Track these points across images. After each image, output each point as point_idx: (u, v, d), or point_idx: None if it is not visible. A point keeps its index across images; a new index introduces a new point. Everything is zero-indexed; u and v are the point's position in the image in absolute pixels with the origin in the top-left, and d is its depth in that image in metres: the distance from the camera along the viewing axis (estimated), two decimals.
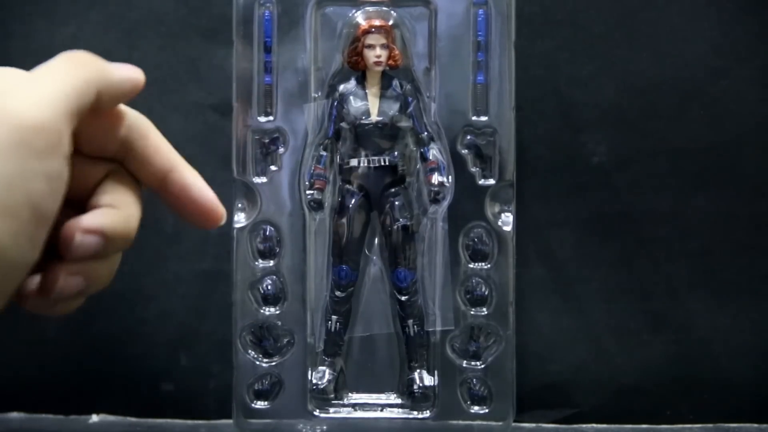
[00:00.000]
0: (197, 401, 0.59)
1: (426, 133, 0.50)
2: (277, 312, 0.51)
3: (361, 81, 0.50)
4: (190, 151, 0.59)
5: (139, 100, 0.66)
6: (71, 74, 0.32)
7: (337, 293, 0.51)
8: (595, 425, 0.55)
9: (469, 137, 0.49)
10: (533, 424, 0.56)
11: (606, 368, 0.56)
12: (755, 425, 0.53)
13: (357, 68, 0.50)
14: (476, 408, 0.48)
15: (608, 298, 0.56)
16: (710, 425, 0.54)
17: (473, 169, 0.49)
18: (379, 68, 0.50)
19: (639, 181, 0.56)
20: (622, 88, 0.56)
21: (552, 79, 0.56)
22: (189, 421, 0.59)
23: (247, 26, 0.50)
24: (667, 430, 0.54)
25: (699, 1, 0.55)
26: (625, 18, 0.56)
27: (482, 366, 0.49)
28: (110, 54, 0.64)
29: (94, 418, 0.60)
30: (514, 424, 0.55)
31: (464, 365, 0.49)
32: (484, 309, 0.49)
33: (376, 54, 0.49)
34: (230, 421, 0.58)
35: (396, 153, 0.50)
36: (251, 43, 0.50)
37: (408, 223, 0.50)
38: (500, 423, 0.48)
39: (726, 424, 0.54)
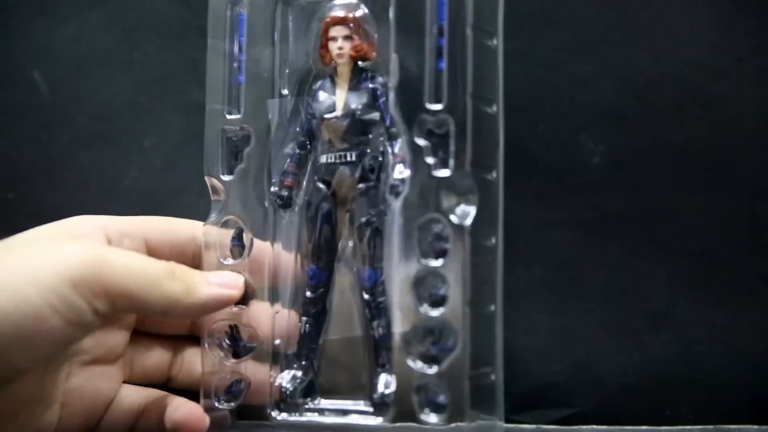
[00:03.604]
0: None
1: (393, 127, 0.47)
2: (243, 311, 0.48)
3: (333, 76, 0.49)
4: (191, 151, 0.60)
5: (140, 100, 0.66)
6: None
7: (308, 294, 0.49)
8: (594, 426, 0.55)
9: (424, 126, 0.45)
10: (533, 425, 0.56)
11: (606, 368, 0.56)
12: (755, 427, 0.53)
13: (325, 63, 0.49)
14: (432, 416, 0.44)
15: (608, 298, 0.56)
16: (710, 427, 0.54)
17: (429, 160, 0.45)
18: (342, 60, 0.48)
19: (639, 181, 0.56)
20: (621, 88, 0.56)
21: (552, 79, 0.56)
22: None
23: (219, 26, 0.49)
24: (667, 431, 0.54)
25: (699, 1, 0.55)
26: (625, 18, 0.56)
27: (437, 371, 0.44)
28: (110, 54, 0.65)
29: None
30: (513, 425, 0.55)
31: (419, 369, 0.44)
32: (441, 310, 0.44)
33: (338, 46, 0.48)
34: None
35: (365, 149, 0.48)
36: (224, 43, 0.49)
37: (370, 220, 0.47)
38: None
39: (726, 426, 0.54)
